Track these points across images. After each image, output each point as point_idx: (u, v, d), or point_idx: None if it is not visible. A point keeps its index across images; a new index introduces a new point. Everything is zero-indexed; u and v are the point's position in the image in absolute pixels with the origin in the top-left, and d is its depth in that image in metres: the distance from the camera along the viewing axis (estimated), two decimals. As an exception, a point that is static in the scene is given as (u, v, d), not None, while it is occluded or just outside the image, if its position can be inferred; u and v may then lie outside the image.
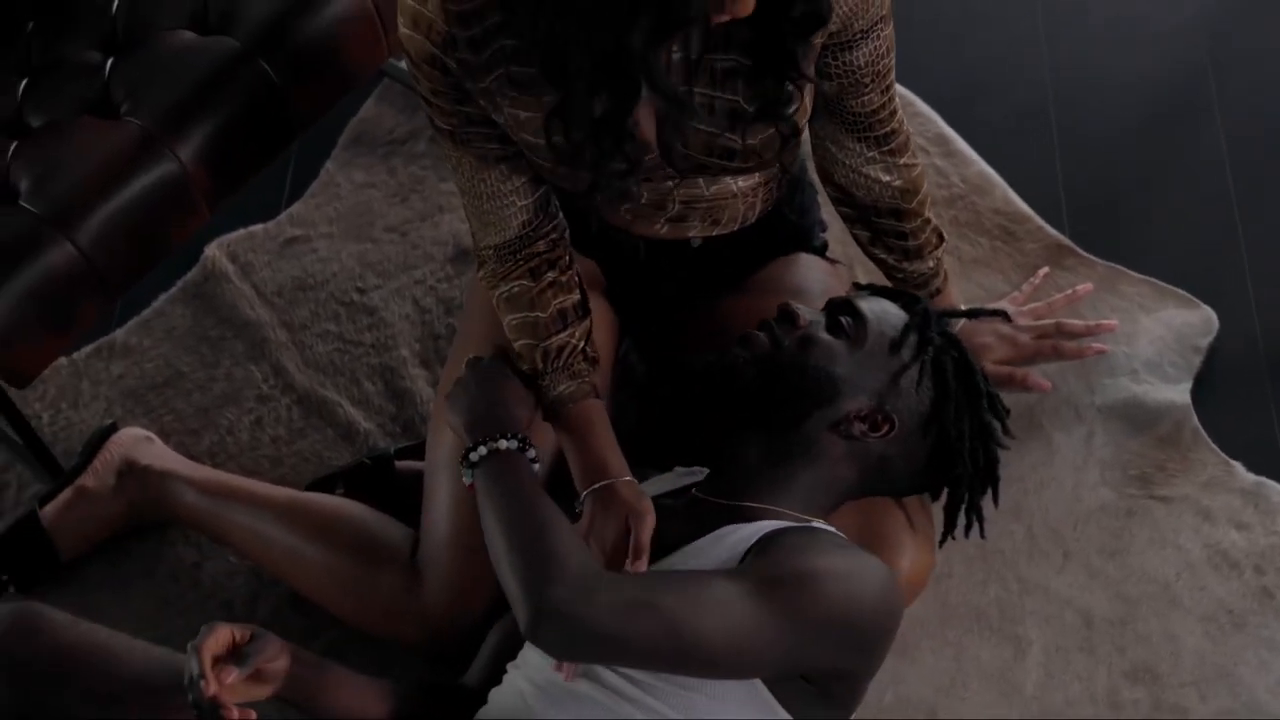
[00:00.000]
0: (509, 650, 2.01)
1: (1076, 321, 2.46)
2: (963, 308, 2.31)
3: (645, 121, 1.92)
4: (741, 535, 1.88)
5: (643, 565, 1.88)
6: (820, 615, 1.77)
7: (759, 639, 1.74)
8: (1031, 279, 2.53)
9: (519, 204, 2.01)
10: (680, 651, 1.72)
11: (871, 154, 2.10)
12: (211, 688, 1.70)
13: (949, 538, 2.06)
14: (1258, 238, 2.60)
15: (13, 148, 2.22)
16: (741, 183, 2.07)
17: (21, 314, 2.11)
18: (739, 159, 1.96)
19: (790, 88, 1.90)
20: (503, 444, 1.91)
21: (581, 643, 1.70)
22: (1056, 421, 2.42)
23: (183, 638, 2.22)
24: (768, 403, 1.95)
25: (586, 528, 1.93)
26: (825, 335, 1.97)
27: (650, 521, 1.92)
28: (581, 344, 2.05)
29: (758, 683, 1.80)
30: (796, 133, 1.96)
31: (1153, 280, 2.56)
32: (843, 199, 2.18)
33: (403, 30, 1.88)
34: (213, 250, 2.67)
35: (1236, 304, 2.53)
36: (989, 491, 2.03)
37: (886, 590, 1.83)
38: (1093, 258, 2.58)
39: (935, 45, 2.86)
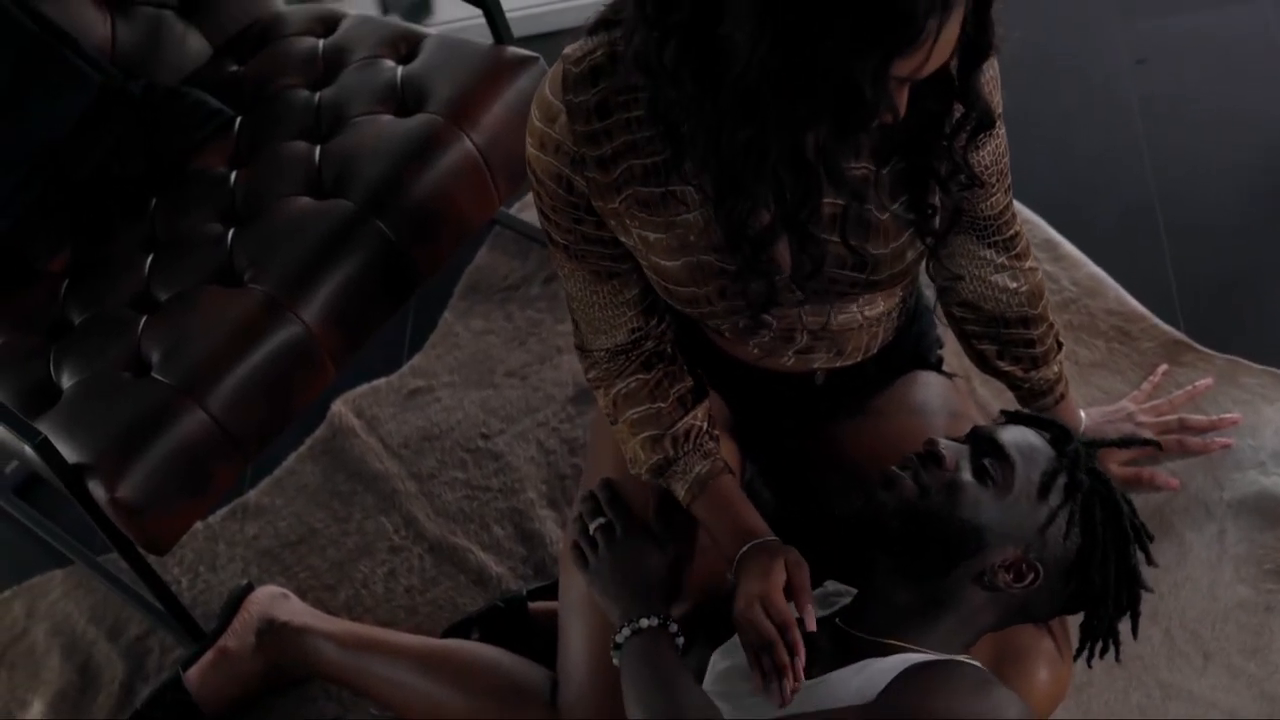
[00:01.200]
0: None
1: (1199, 417, 2.45)
2: (1089, 417, 2.32)
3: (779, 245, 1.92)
4: (880, 668, 1.86)
5: (808, 612, 1.90)
6: None
7: None
8: (1151, 377, 2.53)
9: (630, 312, 2.03)
10: None
11: (1000, 260, 2.10)
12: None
13: (1083, 655, 2.04)
14: (1378, 322, 2.58)
15: (143, 322, 2.30)
16: (868, 311, 2.06)
17: (159, 483, 2.17)
18: (870, 270, 1.95)
19: (939, 196, 1.91)
20: (644, 623, 1.94)
21: None
22: (1187, 520, 2.40)
23: (328, 794, 2.29)
24: (912, 552, 1.92)
25: (746, 599, 1.92)
26: (971, 481, 1.92)
27: (806, 567, 1.93)
28: (705, 424, 2.06)
29: None
30: (937, 239, 1.96)
31: (1272, 370, 2.53)
32: (969, 317, 2.18)
33: (530, 150, 1.89)
34: (339, 406, 2.73)
35: (1360, 388, 2.51)
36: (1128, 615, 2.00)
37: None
38: (1210, 351, 2.57)
39: (1034, 149, 2.87)
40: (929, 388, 2.26)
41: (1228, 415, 2.47)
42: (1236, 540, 2.37)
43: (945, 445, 1.94)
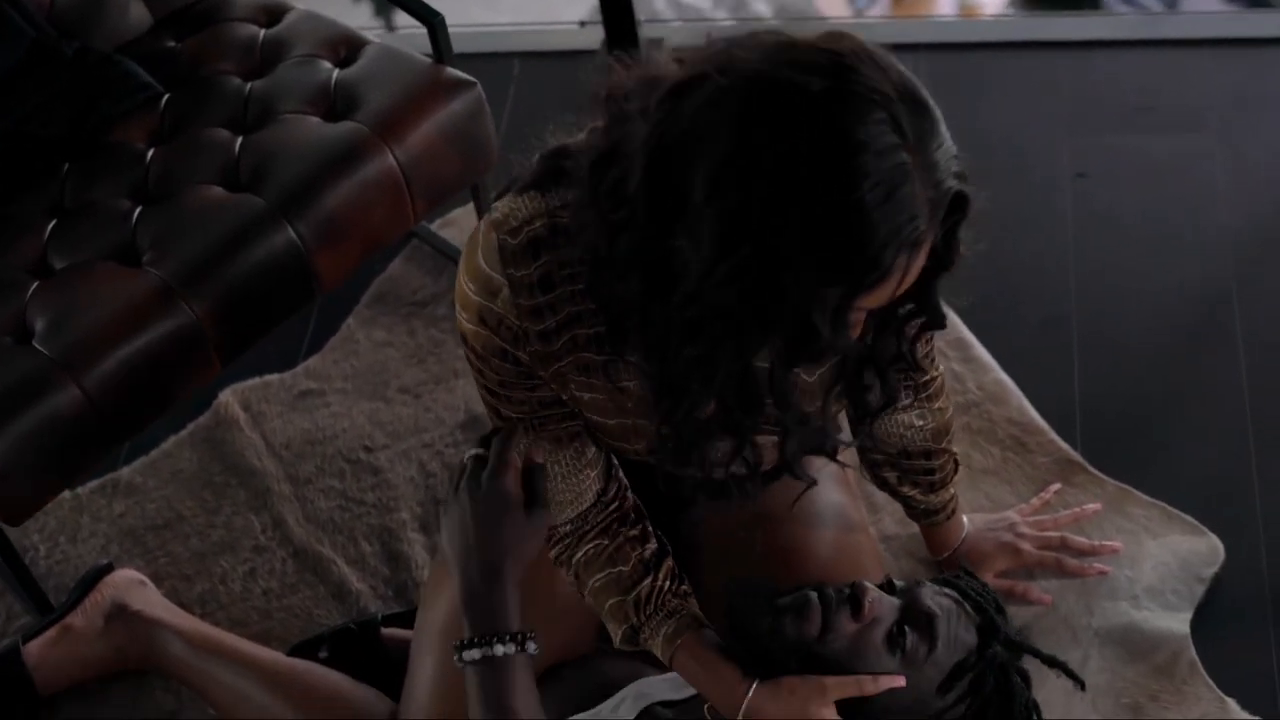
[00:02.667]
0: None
1: (1082, 539, 2.45)
2: (972, 523, 2.31)
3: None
4: None
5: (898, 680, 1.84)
6: None
7: None
8: (1042, 494, 2.52)
9: (593, 474, 1.93)
10: None
11: (909, 401, 2.08)
12: None
13: None
14: (1272, 472, 2.58)
15: (33, 287, 2.25)
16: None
17: (21, 454, 2.12)
18: (799, 422, 1.84)
19: (887, 381, 1.83)
20: (499, 649, 1.83)
21: None
22: (1053, 641, 2.38)
23: (151, 790, 2.24)
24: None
25: None
26: (880, 644, 1.83)
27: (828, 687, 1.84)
28: (667, 583, 1.96)
29: None
30: (871, 419, 1.89)
31: (1161, 504, 2.53)
32: (871, 446, 2.16)
33: (466, 325, 1.78)
34: (226, 396, 2.69)
35: (1245, 536, 2.50)
36: None
37: None
38: (1103, 476, 2.56)
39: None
40: (822, 485, 2.22)
41: (1110, 542, 2.47)
42: (1098, 669, 2.36)
43: (873, 596, 1.85)
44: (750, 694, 1.84)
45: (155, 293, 2.21)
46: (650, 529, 1.98)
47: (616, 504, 1.96)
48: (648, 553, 1.95)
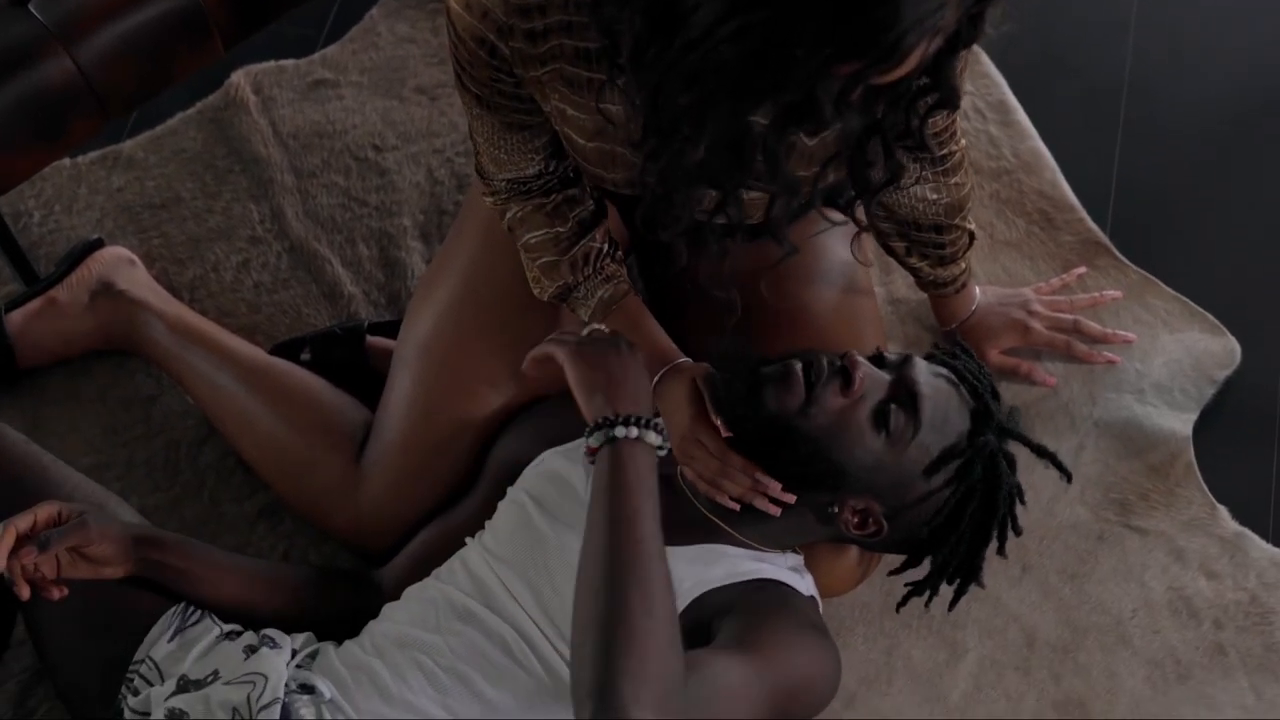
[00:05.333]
0: (437, 554, 1.98)
1: (1095, 326, 2.38)
2: (985, 295, 2.24)
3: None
4: (728, 570, 1.81)
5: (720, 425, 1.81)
6: (803, 712, 1.77)
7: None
8: (1064, 275, 2.43)
9: (537, 158, 1.90)
10: None
11: (923, 173, 2.00)
12: (0, 564, 1.74)
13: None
14: (1303, 281, 2.49)
15: (35, -51, 2.15)
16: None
17: (8, 120, 2.05)
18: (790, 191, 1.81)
19: (891, 157, 1.75)
20: (653, 437, 1.71)
21: None
22: (1049, 426, 2.33)
23: (121, 469, 2.24)
24: (767, 456, 1.80)
25: (679, 441, 1.83)
26: (865, 422, 1.78)
27: (715, 381, 1.84)
28: (605, 245, 1.96)
29: None
30: (871, 194, 1.81)
31: (1184, 299, 2.45)
32: (881, 214, 2.08)
33: (453, 6, 1.72)
34: (238, 77, 2.60)
35: (1264, 343, 2.42)
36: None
37: (838, 678, 1.83)
38: (1128, 262, 2.48)
39: (1019, 6, 2.72)
40: (832, 241, 2.15)
41: (1123, 332, 2.39)
42: (1092, 461, 2.32)
43: (864, 371, 1.79)
44: (660, 375, 1.86)
45: (158, -34, 2.11)
46: (589, 191, 1.95)
47: (557, 172, 1.93)
48: (585, 213, 1.94)
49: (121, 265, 2.33)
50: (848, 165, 1.74)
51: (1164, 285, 2.46)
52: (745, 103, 1.49)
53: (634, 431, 1.70)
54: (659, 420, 1.73)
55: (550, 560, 1.83)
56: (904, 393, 1.80)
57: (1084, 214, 2.52)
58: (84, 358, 2.33)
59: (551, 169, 1.91)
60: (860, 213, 2.19)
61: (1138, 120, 2.64)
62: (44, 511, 1.79)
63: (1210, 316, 2.43)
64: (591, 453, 1.71)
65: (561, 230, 1.94)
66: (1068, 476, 1.94)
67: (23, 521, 1.77)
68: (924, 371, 1.83)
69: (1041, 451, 1.92)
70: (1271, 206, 2.55)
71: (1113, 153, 2.60)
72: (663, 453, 1.73)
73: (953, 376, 1.86)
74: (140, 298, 2.28)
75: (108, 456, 2.26)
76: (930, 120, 1.77)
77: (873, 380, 1.81)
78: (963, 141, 2.01)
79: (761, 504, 1.79)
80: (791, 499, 1.79)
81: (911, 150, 1.73)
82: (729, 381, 1.82)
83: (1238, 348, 2.40)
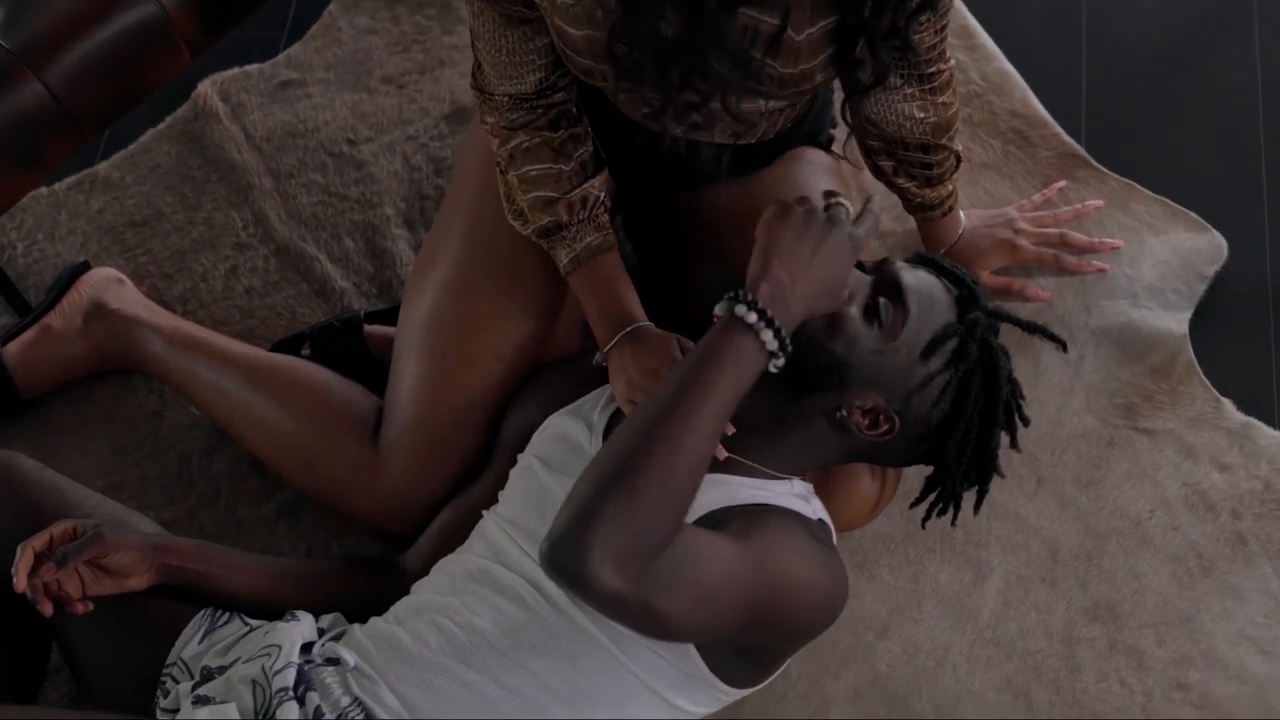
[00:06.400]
0: (458, 532, 1.99)
1: (1081, 236, 2.40)
2: (970, 219, 2.25)
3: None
4: (726, 495, 1.81)
5: None
6: (787, 620, 1.76)
7: (730, 613, 1.68)
8: (1045, 190, 2.45)
9: (539, 62, 1.93)
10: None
11: (910, 90, 2.02)
12: (20, 584, 1.74)
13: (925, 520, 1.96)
14: (1280, 167, 2.51)
15: (-9, -24, 2.15)
16: (773, 104, 1.98)
17: (-15, 151, 2.06)
18: (773, 86, 1.86)
19: (878, 57, 1.80)
20: (770, 338, 1.66)
21: (586, 593, 1.56)
22: (1047, 340, 2.34)
23: (136, 488, 2.24)
24: None
25: (624, 393, 1.88)
26: (856, 316, 1.80)
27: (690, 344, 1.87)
28: (602, 194, 1.99)
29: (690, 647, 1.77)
30: (860, 94, 1.89)
31: (1165, 200, 2.47)
32: (870, 131, 2.10)
33: None
34: (205, 87, 2.60)
35: (1249, 234, 2.44)
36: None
37: (838, 600, 1.82)
38: (1106, 171, 2.49)
39: (971, -71, 2.74)
40: (814, 172, 2.18)
41: (1110, 239, 2.41)
42: (1093, 369, 2.33)
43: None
44: (622, 334, 1.89)
45: (118, -19, 2.12)
46: (590, 131, 1.99)
47: (561, 99, 1.96)
48: (587, 155, 1.98)
49: (111, 285, 2.33)
50: (837, 64, 1.78)
51: (1144, 189, 2.48)
52: None
53: (755, 319, 1.65)
54: (786, 334, 1.68)
55: (551, 510, 1.83)
56: (889, 286, 1.83)
57: (1058, 128, 2.53)
58: (85, 381, 2.33)
59: (553, 82, 1.93)
60: (839, 148, 2.22)
61: (1100, 30, 2.65)
62: (59, 529, 1.80)
63: (1193, 215, 2.45)
64: (715, 319, 1.69)
65: (565, 168, 1.96)
66: (1062, 345, 1.97)
67: (38, 540, 1.78)
68: (904, 267, 1.86)
69: (1031, 327, 1.95)
70: (1238, 99, 2.57)
71: (1079, 65, 2.62)
72: (776, 362, 1.68)
73: (932, 269, 1.89)
74: (134, 314, 2.29)
75: (120, 476, 2.27)
76: (917, 35, 1.79)
77: (857, 280, 1.83)
78: (951, 61, 2.03)
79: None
80: (729, 431, 1.79)
81: (898, 52, 1.77)
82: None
83: (1224, 242, 2.42)
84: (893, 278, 1.83)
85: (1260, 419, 2.29)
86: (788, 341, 1.67)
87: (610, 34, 1.74)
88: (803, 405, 1.82)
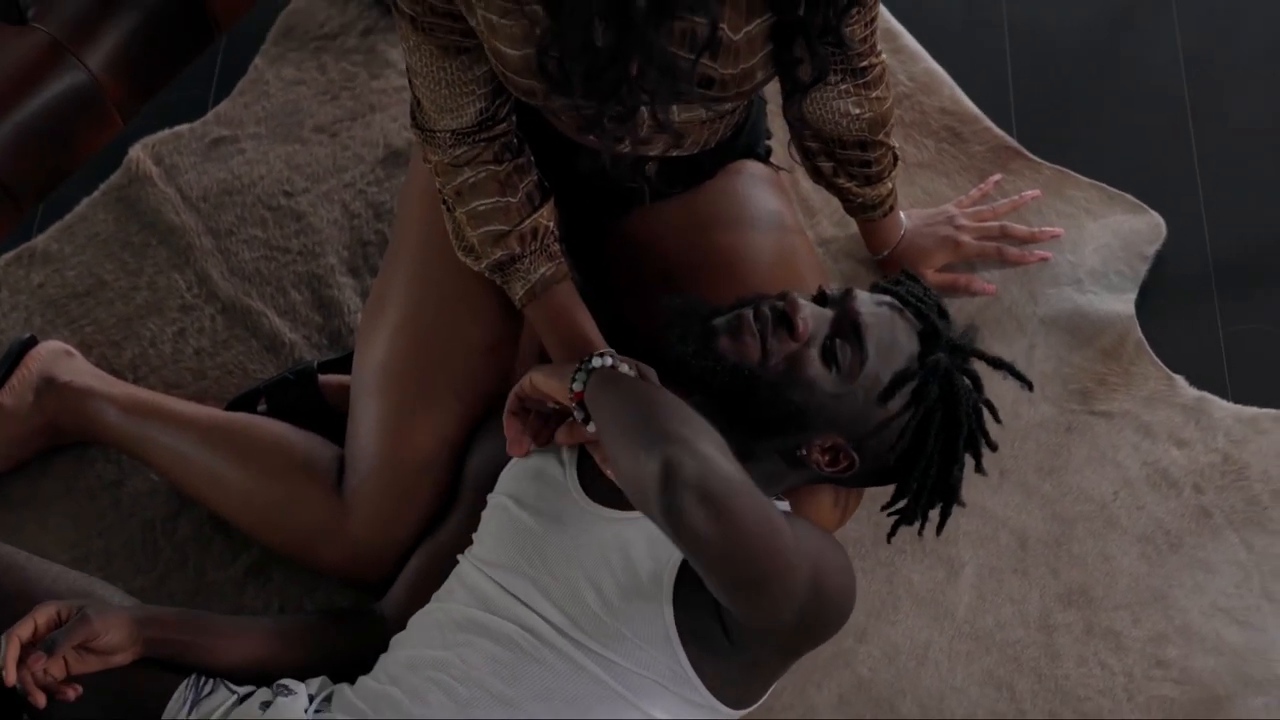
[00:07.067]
0: (432, 576, 1.98)
1: (1021, 227, 2.42)
2: (910, 219, 2.27)
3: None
4: None
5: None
6: (831, 602, 1.75)
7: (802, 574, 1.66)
8: (982, 185, 2.47)
9: (478, 91, 1.93)
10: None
11: (845, 86, 2.04)
12: (10, 678, 1.73)
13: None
14: (1210, 143, 2.54)
15: (-85, 56, 2.14)
16: (711, 111, 1.98)
17: (-76, 234, 2.05)
18: (717, 88, 1.87)
19: (816, 53, 1.83)
20: (624, 366, 1.80)
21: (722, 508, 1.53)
22: (998, 332, 2.37)
23: (101, 560, 2.23)
24: (730, 406, 1.82)
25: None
26: (816, 361, 1.81)
27: (654, 372, 1.87)
28: (551, 224, 2.00)
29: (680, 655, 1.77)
30: (801, 93, 1.90)
31: (1100, 185, 2.49)
32: (807, 132, 2.12)
33: None
34: (137, 152, 2.58)
35: (1185, 210, 2.47)
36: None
37: (852, 590, 1.81)
38: (1040, 160, 2.52)
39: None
40: (755, 187, 2.19)
41: (1050, 228, 2.44)
42: (1045, 357, 2.35)
43: (805, 313, 1.82)
44: (579, 367, 1.86)
45: (45, 51, 2.12)
46: (533, 161, 2.00)
47: (503, 130, 1.97)
48: (533, 186, 1.99)
49: (60, 358, 2.32)
50: (776, 63, 1.81)
51: (1079, 175, 2.50)
52: None
53: (607, 360, 1.77)
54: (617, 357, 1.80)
55: (544, 549, 1.84)
56: (847, 326, 1.83)
57: (989, 122, 2.56)
58: (40, 457, 2.32)
59: (494, 112, 1.94)
60: (777, 159, 2.23)
61: (1022, 21, 2.68)
62: (43, 615, 1.78)
63: (1129, 197, 2.48)
64: (580, 398, 1.76)
65: (512, 201, 1.96)
66: (1028, 385, 1.97)
67: (24, 629, 1.76)
68: (866, 302, 1.86)
69: (998, 364, 1.95)
70: (1162, 79, 2.61)
71: (1004, 58, 2.64)
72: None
73: (896, 303, 1.89)
74: (86, 386, 2.27)
75: (85, 549, 2.25)
76: (849, 29, 1.82)
77: (817, 319, 1.83)
78: (882, 56, 2.05)
79: None
80: None
81: (834, 48, 1.81)
82: (682, 339, 1.84)
83: (1162, 221, 2.45)
84: (852, 317, 1.83)
85: (1213, 392, 2.32)
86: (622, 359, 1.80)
87: (540, 47, 1.75)
88: (763, 444, 1.84)
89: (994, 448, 1.91)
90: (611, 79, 1.75)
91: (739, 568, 1.56)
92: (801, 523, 1.79)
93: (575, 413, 1.81)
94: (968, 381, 1.88)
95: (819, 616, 1.74)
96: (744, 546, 1.54)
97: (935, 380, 1.83)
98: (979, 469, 1.90)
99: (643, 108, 1.87)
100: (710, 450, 1.56)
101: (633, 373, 1.81)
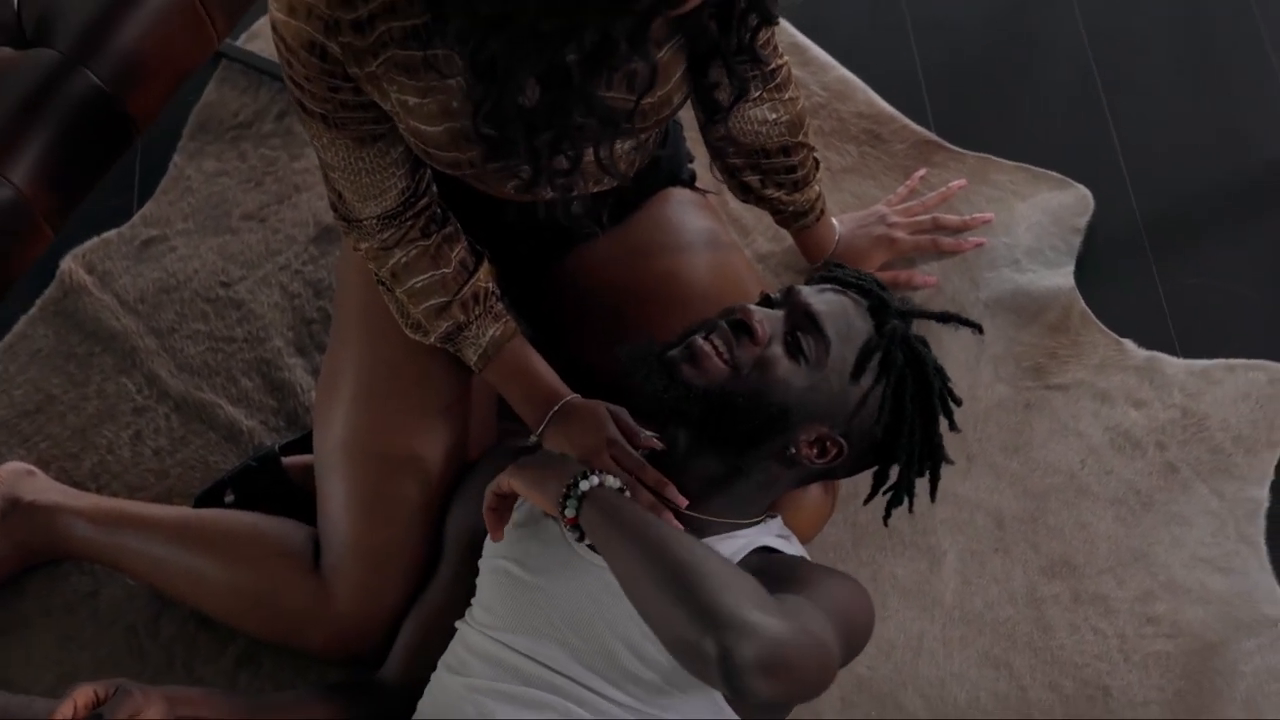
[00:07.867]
0: (430, 639, 1.99)
1: (952, 217, 2.45)
2: (843, 224, 2.29)
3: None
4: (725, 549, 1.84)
5: (652, 440, 1.88)
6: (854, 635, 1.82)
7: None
8: (908, 181, 2.50)
9: (398, 172, 1.92)
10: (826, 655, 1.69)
11: (758, 93, 2.06)
12: None
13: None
14: (1124, 110, 2.58)
15: None
16: (629, 143, 1.99)
17: None
18: (639, 118, 1.88)
19: (734, 73, 1.86)
20: (610, 480, 1.80)
21: (784, 671, 1.59)
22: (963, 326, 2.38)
23: (89, 672, 2.21)
24: (713, 429, 1.84)
25: (587, 454, 1.89)
26: (784, 358, 1.84)
27: (625, 409, 1.90)
28: (490, 285, 2.00)
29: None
30: (724, 115, 1.94)
31: (1024, 166, 2.53)
32: (730, 150, 2.14)
33: (276, 14, 1.74)
34: (68, 264, 2.58)
35: (1110, 179, 2.51)
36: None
37: (870, 607, 1.88)
38: (961, 150, 2.55)
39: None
40: (684, 211, 2.21)
41: (980, 214, 2.47)
42: (994, 339, 2.38)
43: (759, 316, 1.85)
44: (555, 410, 1.93)
45: (-35, 173, 2.11)
46: (459, 227, 2.01)
47: (426, 203, 1.97)
48: (464, 253, 2.00)
49: (21, 479, 2.30)
50: (694, 92, 1.85)
51: (1001, 159, 2.54)
52: (547, 46, 1.58)
53: (593, 479, 1.77)
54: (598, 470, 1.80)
55: (561, 608, 1.83)
56: (802, 318, 1.86)
57: (906, 120, 2.59)
58: (13, 579, 2.30)
59: (415, 188, 1.94)
60: (702, 182, 2.25)
61: (924, 14, 2.72)
62: (81, 696, 1.78)
63: (1054, 174, 2.52)
64: (574, 523, 1.77)
65: (446, 272, 1.97)
66: (978, 329, 2.03)
67: (63, 711, 1.75)
68: (811, 293, 1.90)
69: (945, 317, 2.01)
70: (1068, 52, 2.65)
71: (911, 55, 2.68)
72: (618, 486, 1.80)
73: (838, 287, 1.92)
74: (52, 502, 2.25)
75: (71, 665, 2.22)
76: (758, 42, 1.84)
77: (771, 320, 1.87)
78: (785, 57, 2.08)
79: (666, 518, 1.83)
80: (683, 503, 1.83)
81: (749, 63, 1.84)
82: (646, 380, 1.86)
83: (1088, 193, 2.49)
84: (804, 309, 1.86)
85: (1162, 350, 2.35)
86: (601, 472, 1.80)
87: (474, 117, 1.75)
88: (752, 455, 1.86)
89: (959, 402, 1.94)
90: (554, 134, 1.76)
91: (802, 700, 1.70)
92: (822, 586, 1.79)
93: (568, 533, 1.81)
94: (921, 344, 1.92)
95: (849, 658, 1.81)
96: (808, 686, 1.64)
97: (898, 346, 1.87)
98: (953, 427, 1.94)
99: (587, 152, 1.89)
100: (755, 616, 1.58)
101: (626, 491, 1.81)
